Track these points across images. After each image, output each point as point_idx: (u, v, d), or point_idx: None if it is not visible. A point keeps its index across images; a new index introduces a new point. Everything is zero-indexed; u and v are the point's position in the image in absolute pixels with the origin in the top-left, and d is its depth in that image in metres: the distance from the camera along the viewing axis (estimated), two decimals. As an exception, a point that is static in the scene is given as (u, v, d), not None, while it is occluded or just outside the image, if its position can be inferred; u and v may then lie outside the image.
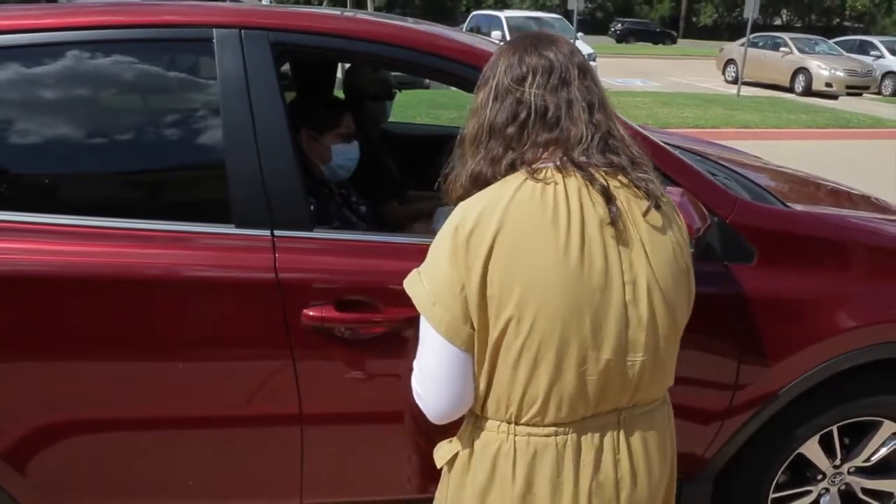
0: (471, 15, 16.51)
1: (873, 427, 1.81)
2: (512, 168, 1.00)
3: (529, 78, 1.00)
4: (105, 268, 1.38)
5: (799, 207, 1.84)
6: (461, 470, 1.07)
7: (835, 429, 1.78)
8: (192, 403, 1.47)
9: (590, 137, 0.99)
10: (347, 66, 2.67)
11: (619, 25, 35.83)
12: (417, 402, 1.05)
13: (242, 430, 1.52)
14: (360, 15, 1.87)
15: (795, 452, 1.77)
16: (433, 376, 1.00)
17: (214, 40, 1.46)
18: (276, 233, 1.43)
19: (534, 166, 0.98)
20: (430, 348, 0.99)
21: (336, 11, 1.86)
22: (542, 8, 35.77)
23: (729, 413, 1.65)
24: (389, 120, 2.70)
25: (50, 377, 1.41)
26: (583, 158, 0.98)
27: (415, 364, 1.04)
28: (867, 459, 1.85)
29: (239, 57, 1.45)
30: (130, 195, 1.55)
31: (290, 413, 1.48)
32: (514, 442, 1.00)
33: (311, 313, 1.40)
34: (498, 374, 0.98)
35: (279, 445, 1.53)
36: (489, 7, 33.44)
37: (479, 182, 1.02)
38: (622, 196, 0.98)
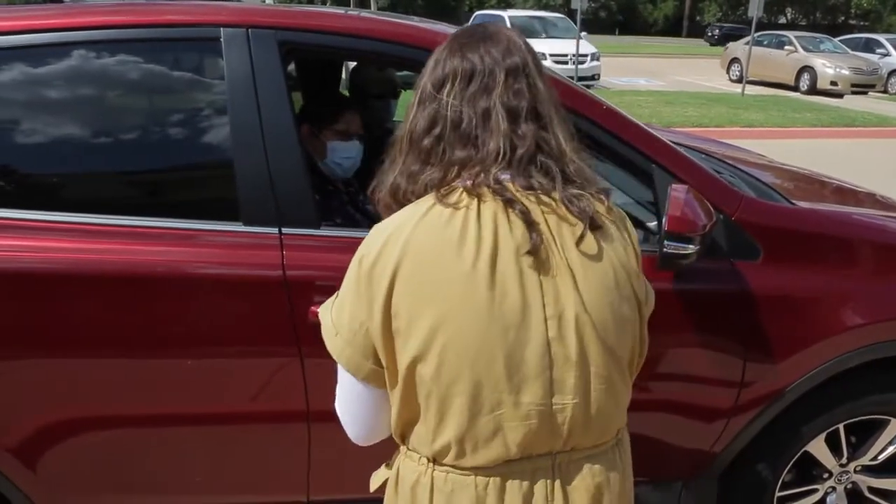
0: (474, 15, 16.55)
1: (880, 425, 1.81)
2: (426, 190, 0.90)
3: (448, 85, 0.89)
4: (116, 265, 1.39)
5: (804, 205, 1.84)
6: (390, 497, 1.01)
7: (841, 427, 1.78)
8: (201, 400, 1.48)
9: (509, 152, 0.87)
10: (353, 65, 2.68)
11: (717, 31, 33.82)
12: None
13: (250, 427, 1.53)
14: (366, 14, 1.87)
15: (801, 451, 1.77)
16: (345, 404, 0.97)
17: (222, 39, 1.46)
18: (284, 230, 1.44)
19: (444, 189, 0.88)
20: (341, 376, 0.95)
21: (340, 10, 1.87)
22: (546, 7, 35.70)
23: (734, 411, 1.65)
24: (395, 119, 2.71)
25: (60, 374, 1.42)
26: (504, 176, 0.87)
27: (337, 388, 1.00)
28: (874, 458, 1.85)
29: (246, 56, 1.46)
30: (140, 193, 1.56)
31: (298, 409, 1.49)
32: (433, 477, 0.92)
33: (318, 310, 1.40)
34: (412, 413, 0.91)
35: (286, 442, 1.54)
36: (492, 7, 33.44)
37: (398, 198, 0.93)
38: (550, 220, 0.87)
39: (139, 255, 1.40)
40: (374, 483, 1.07)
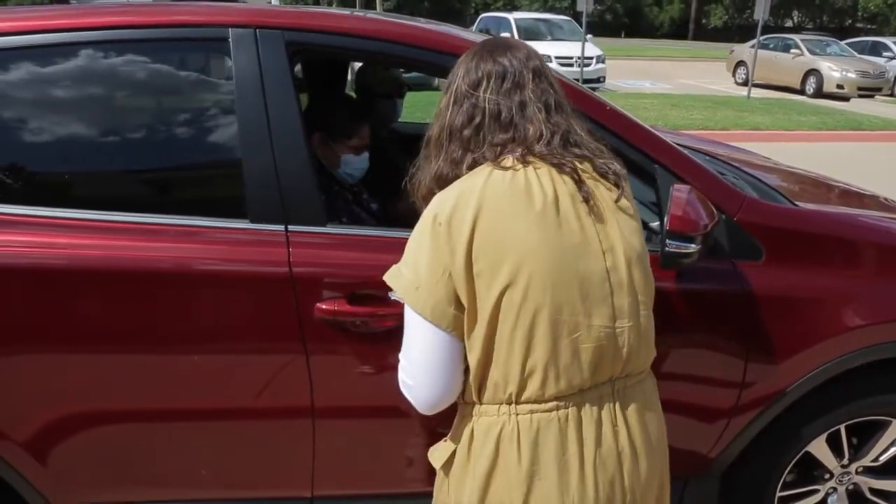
0: (480, 17, 16.55)
1: (882, 427, 1.82)
2: (475, 166, 1.05)
3: (484, 83, 1.05)
4: (125, 261, 1.41)
5: (807, 206, 1.85)
6: (461, 466, 1.07)
7: (842, 428, 1.78)
8: (207, 395, 1.50)
9: (549, 135, 1.04)
10: (359, 66, 2.70)
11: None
12: (406, 393, 1.08)
13: (255, 423, 1.54)
14: (373, 15, 1.89)
15: (803, 451, 1.78)
16: (421, 364, 1.03)
17: (230, 40, 1.48)
18: (290, 228, 1.46)
19: (498, 160, 1.03)
20: (418, 335, 1.03)
21: (347, 11, 1.88)
22: (551, 10, 35.69)
23: (735, 411, 1.66)
24: (400, 120, 2.72)
25: (69, 369, 1.44)
26: (545, 150, 1.03)
27: (401, 356, 1.08)
28: (875, 459, 1.85)
29: (254, 56, 1.48)
30: (149, 191, 1.58)
31: (303, 406, 1.50)
32: (517, 421, 1.00)
33: (323, 307, 1.42)
34: (495, 352, 1.00)
35: (291, 438, 1.55)
36: (498, 9, 33.45)
37: (442, 182, 1.07)
38: (590, 182, 1.05)
39: (148, 252, 1.42)
40: (440, 458, 1.13)
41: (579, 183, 1.03)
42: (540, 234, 0.98)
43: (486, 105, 1.04)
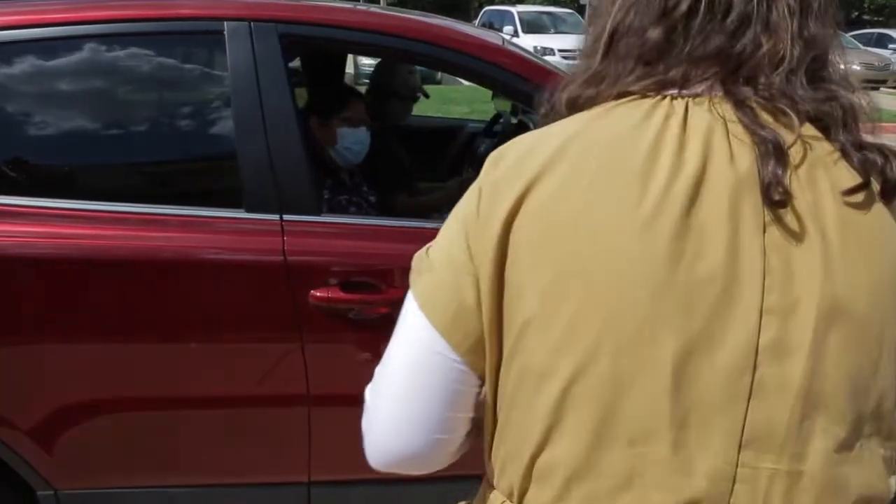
0: (483, 10, 16.55)
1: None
2: (622, 96, 0.56)
3: None
4: (122, 250, 1.44)
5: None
6: None
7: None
8: (203, 383, 1.52)
9: (794, 60, 0.55)
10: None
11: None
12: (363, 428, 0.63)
13: (252, 409, 1.57)
14: (372, 8, 1.91)
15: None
16: (390, 385, 0.61)
17: (225, 33, 1.50)
18: (285, 217, 1.48)
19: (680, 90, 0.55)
20: (402, 339, 0.60)
21: (347, 4, 1.90)
22: (555, 3, 35.54)
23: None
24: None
25: (71, 358, 1.47)
26: (774, 89, 0.54)
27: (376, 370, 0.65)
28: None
29: (248, 49, 1.50)
30: (147, 182, 1.62)
31: (299, 392, 1.53)
32: None
33: (318, 294, 1.45)
34: (505, 412, 0.57)
35: (287, 423, 1.58)
36: (502, 2, 33.32)
37: (570, 108, 0.60)
38: (797, 153, 0.52)
39: (145, 241, 1.45)
40: None
41: (778, 156, 0.50)
42: (627, 249, 0.50)
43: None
